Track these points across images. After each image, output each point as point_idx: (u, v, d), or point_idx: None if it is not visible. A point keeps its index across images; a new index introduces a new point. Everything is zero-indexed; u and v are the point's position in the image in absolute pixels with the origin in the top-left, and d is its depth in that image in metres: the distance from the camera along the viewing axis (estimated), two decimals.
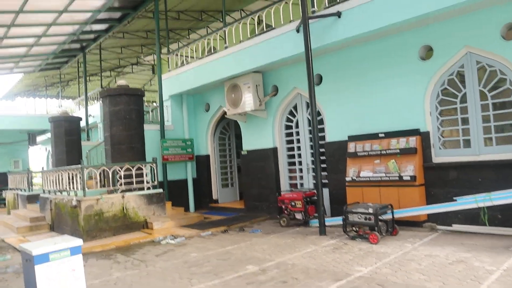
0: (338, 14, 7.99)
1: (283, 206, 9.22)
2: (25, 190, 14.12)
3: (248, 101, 10.29)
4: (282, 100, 10.31)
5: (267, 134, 10.63)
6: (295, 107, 10.26)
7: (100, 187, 10.52)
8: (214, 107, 12.38)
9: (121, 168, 9.76)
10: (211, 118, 12.52)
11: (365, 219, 7.12)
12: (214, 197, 12.69)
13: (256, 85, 10.28)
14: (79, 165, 9.39)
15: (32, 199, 13.55)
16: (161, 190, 10.27)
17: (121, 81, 11.34)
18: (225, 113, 12.21)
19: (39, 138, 19.77)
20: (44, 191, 12.04)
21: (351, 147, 8.67)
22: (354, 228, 7.48)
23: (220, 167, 12.89)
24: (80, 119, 15.35)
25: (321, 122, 9.70)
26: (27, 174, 13.67)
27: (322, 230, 7.87)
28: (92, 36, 15.19)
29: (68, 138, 14.62)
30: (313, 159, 9.84)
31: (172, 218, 10.03)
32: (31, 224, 11.19)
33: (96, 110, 16.60)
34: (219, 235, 8.83)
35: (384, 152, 8.08)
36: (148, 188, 10.15)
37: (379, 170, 8.12)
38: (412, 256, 5.99)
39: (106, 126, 11.06)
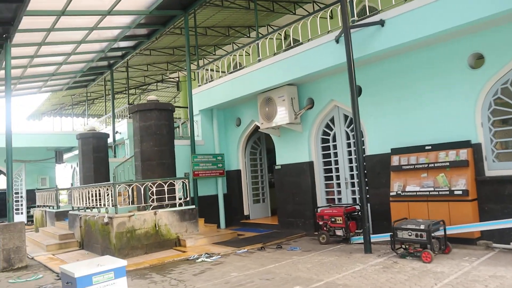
0: (382, 23, 7.71)
1: (322, 223, 8.82)
2: (53, 207, 14.02)
3: (282, 114, 10.02)
4: (319, 113, 10.00)
5: (303, 148, 10.31)
6: (332, 120, 9.93)
7: (129, 204, 10.34)
8: (245, 122, 12.14)
9: (153, 184, 9.53)
10: (242, 133, 12.28)
11: (416, 236, 6.67)
12: (245, 213, 12.35)
13: (291, 98, 10.01)
14: (111, 182, 9.19)
15: (60, 216, 13.44)
16: (193, 207, 9.99)
17: (151, 97, 11.24)
18: (257, 127, 11.97)
19: (66, 156, 19.86)
20: (73, 208, 11.91)
21: (395, 160, 8.26)
22: (403, 246, 7.02)
23: (252, 182, 12.56)
24: (108, 135, 15.32)
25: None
26: (55, 192, 13.57)
27: (368, 247, 7.44)
28: (119, 53, 15.26)
29: (95, 155, 14.57)
30: (352, 173, 9.48)
31: (205, 235, 9.71)
32: (60, 241, 11.04)
33: (123, 127, 16.57)
34: (256, 252, 8.46)
35: (432, 165, 7.65)
36: (180, 205, 9.88)
37: (427, 184, 7.67)
38: (474, 277, 5.51)
39: (136, 142, 10.93)
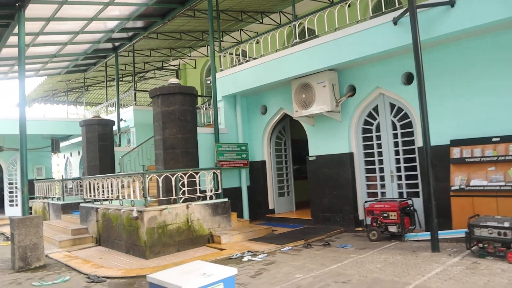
0: (451, 3, 7.06)
1: (372, 218, 8.20)
2: (58, 199, 12.96)
3: (322, 101, 9.30)
4: (361, 101, 9.34)
5: (341, 138, 9.64)
6: (376, 109, 9.28)
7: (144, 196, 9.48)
8: (272, 109, 11.37)
9: (184, 174, 8.69)
10: (269, 121, 11.50)
11: (499, 234, 6.09)
12: (270, 207, 11.61)
13: (332, 84, 9.31)
14: (140, 171, 8.31)
15: (67, 209, 12.43)
16: (226, 200, 9.21)
17: (173, 79, 10.30)
18: (285, 116, 11.24)
19: (62, 144, 18.64)
20: (85, 200, 10.94)
21: (456, 153, 7.68)
22: (479, 245, 6.44)
23: (277, 175, 11.82)
24: (114, 123, 14.30)
25: (409, 125, 8.73)
26: (61, 182, 12.51)
27: (436, 245, 6.84)
28: (127, 34, 14.22)
29: (101, 144, 13.56)
30: (398, 166, 8.87)
31: (240, 231, 8.96)
32: (73, 237, 10.12)
33: (128, 114, 15.57)
34: (303, 250, 7.76)
35: (502, 158, 7.09)
36: (211, 198, 9.08)
37: (496, 178, 7.12)
38: None
39: (157, 129, 9.97)
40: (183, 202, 8.53)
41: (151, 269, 6.85)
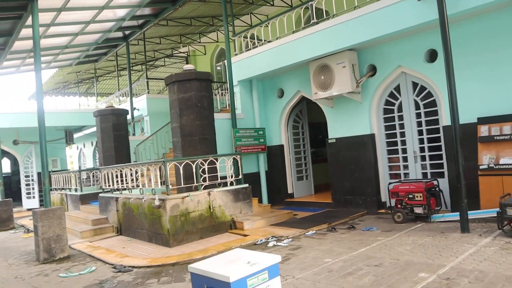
0: None
1: (396, 200, 8.05)
2: (75, 190, 13.00)
3: (342, 82, 9.08)
4: (382, 81, 9.10)
5: (362, 120, 9.44)
6: (397, 89, 9.05)
7: (160, 184, 9.44)
8: (289, 92, 11.17)
9: (205, 161, 8.59)
10: (286, 105, 11.31)
11: None
12: (289, 191, 11.50)
13: (352, 65, 9.07)
14: (161, 159, 8.23)
15: (85, 199, 12.46)
16: (247, 185, 9.11)
17: (188, 65, 10.14)
18: (302, 98, 11.05)
19: (75, 136, 18.66)
20: (103, 190, 10.93)
21: (484, 131, 7.46)
22: (511, 225, 6.28)
23: (295, 158, 11.68)
24: (127, 112, 14.22)
25: (433, 104, 8.50)
26: (79, 173, 12.51)
27: (465, 226, 6.68)
28: (138, 22, 14.02)
29: (116, 133, 13.54)
30: (422, 146, 8.67)
31: (262, 216, 8.88)
32: (93, 227, 10.13)
33: (141, 103, 15.46)
34: (328, 234, 7.66)
35: None
36: (231, 184, 8.99)
37: None
38: None
39: (174, 116, 9.85)
40: (204, 189, 8.44)
41: (176, 257, 6.83)
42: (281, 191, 11.47)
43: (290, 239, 7.43)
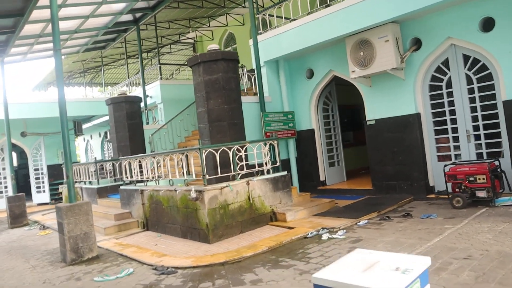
0: None
1: (453, 183, 7.39)
2: (90, 183, 12.28)
3: (385, 58, 8.34)
4: (428, 55, 8.36)
5: (405, 98, 8.72)
6: (445, 63, 8.31)
7: (183, 174, 8.77)
8: (320, 72, 10.41)
9: (242, 147, 7.88)
10: (316, 86, 10.56)
11: None
12: (321, 178, 10.82)
13: (396, 38, 8.32)
14: (196, 146, 7.49)
15: (103, 192, 11.74)
16: (285, 173, 8.42)
17: (213, 45, 9.33)
18: (333, 78, 10.31)
19: (83, 126, 17.87)
20: (124, 183, 10.22)
21: None
22: None
23: (326, 143, 10.97)
24: (141, 99, 13.46)
25: (488, 77, 7.78)
26: (95, 164, 11.78)
27: None
28: (149, 3, 13.18)
29: (130, 122, 12.83)
30: (476, 124, 7.98)
31: (303, 206, 8.21)
32: (117, 222, 9.45)
33: (153, 90, 14.67)
34: (384, 223, 7.00)
35: None
36: (268, 172, 8.29)
37: None
38: None
39: (200, 100, 9.09)
40: (241, 178, 7.74)
41: (223, 256, 6.13)
42: (313, 178, 10.78)
43: (344, 231, 6.76)
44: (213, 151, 7.53)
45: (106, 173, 12.80)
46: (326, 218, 7.73)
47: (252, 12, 10.11)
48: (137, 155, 9.43)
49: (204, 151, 7.35)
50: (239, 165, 7.80)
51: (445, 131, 8.46)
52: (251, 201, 7.68)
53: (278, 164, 8.39)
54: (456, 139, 8.30)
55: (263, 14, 10.56)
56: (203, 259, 6.14)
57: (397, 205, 8.18)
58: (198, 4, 15.08)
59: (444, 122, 8.47)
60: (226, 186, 7.29)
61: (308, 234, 6.77)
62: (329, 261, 5.31)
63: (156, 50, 21.01)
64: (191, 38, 20.25)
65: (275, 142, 8.44)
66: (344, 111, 11.98)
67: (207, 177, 7.38)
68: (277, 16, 10.38)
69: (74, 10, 11.25)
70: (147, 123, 14.40)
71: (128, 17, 13.81)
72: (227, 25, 18.04)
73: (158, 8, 13.21)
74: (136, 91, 15.98)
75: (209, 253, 6.49)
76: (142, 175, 9.31)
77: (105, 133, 18.78)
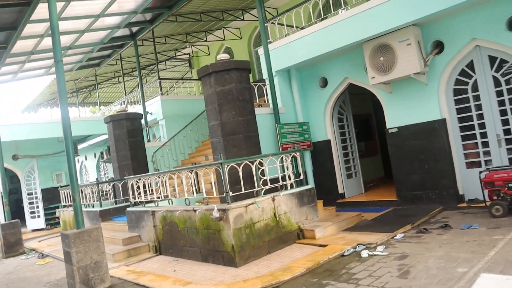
0: None
1: (491, 190, 6.98)
2: (91, 205, 11.57)
3: (407, 62, 7.98)
4: (452, 58, 8.02)
5: (429, 104, 8.34)
6: (470, 65, 7.98)
7: (193, 193, 8.23)
8: (334, 81, 9.99)
9: (263, 161, 7.35)
10: (331, 95, 10.13)
11: None
12: (340, 191, 10.32)
13: (418, 41, 7.97)
14: (218, 161, 6.93)
15: (105, 215, 11.04)
16: (310, 186, 7.91)
17: (223, 55, 8.84)
18: (349, 86, 9.92)
19: (79, 147, 17.14)
20: (131, 204, 9.56)
21: None
22: None
23: (343, 154, 10.51)
24: (142, 116, 12.90)
25: None
26: (97, 186, 11.10)
27: None
28: (147, 17, 12.72)
29: (131, 140, 12.28)
30: (507, 127, 7.62)
31: (332, 222, 7.67)
32: (125, 247, 8.77)
33: (154, 106, 14.12)
34: (424, 236, 6.51)
35: None
36: (292, 186, 7.77)
37: None
38: None
39: (212, 112, 8.54)
40: (265, 193, 7.20)
41: (259, 281, 5.53)
42: (331, 191, 10.27)
43: (383, 246, 6.25)
44: (236, 166, 6.98)
45: (106, 195, 12.11)
46: (358, 233, 7.21)
47: (262, 20, 9.71)
48: (148, 173, 8.83)
49: (226, 165, 6.79)
50: (262, 180, 7.27)
51: (473, 137, 8.08)
52: (277, 218, 7.12)
53: (302, 177, 7.88)
54: (485, 144, 7.92)
55: (272, 22, 10.15)
56: (235, 286, 5.55)
57: (428, 216, 7.72)
58: (196, 17, 14.69)
59: (471, 127, 8.10)
60: (252, 203, 6.73)
61: (344, 252, 6.25)
62: (381, 282, 4.79)
63: (151, 67, 20.66)
64: (186, 54, 19.83)
65: (298, 154, 7.94)
66: (354, 121, 11.59)
67: (230, 194, 6.81)
68: (287, 25, 9.96)
69: (69, 24, 10.72)
70: (148, 140, 13.80)
71: (124, 32, 13.31)
72: (224, 39, 17.69)
73: (156, 22, 12.74)
74: (134, 109, 15.38)
75: (238, 278, 5.89)
76: (147, 194, 8.74)
77: (101, 153, 18.02)
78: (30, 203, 15.63)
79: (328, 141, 10.27)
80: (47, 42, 11.30)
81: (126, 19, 11.55)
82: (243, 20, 15.82)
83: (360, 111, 11.89)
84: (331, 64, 9.90)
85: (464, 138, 8.20)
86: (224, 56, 8.68)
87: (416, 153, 8.55)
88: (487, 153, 7.93)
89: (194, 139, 13.70)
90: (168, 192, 8.15)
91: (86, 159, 20.00)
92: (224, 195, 6.74)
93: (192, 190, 7.58)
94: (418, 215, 7.79)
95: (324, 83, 10.23)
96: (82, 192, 12.21)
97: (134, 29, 13.44)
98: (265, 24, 10.06)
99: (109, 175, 18.96)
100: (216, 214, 6.59)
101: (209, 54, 19.93)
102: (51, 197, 15.61)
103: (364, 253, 6.03)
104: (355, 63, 9.32)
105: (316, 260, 6.01)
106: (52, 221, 15.53)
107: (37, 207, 15.62)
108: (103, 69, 17.73)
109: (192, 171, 7.83)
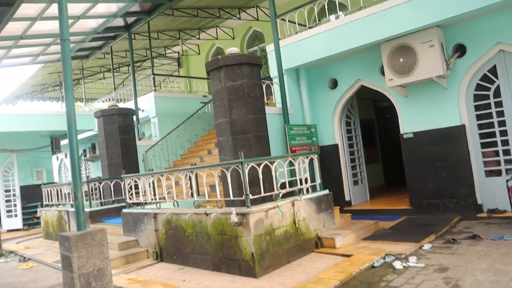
0: None
1: None
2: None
3: (429, 65, 7.68)
4: (474, 62, 7.78)
5: (448, 109, 8.07)
6: (493, 70, 7.76)
7: (192, 195, 7.72)
8: (345, 82, 9.62)
9: (283, 162, 6.86)
10: (341, 97, 9.74)
11: None
12: (346, 198, 9.92)
13: (441, 43, 7.69)
14: (238, 160, 6.37)
15: (95, 217, 10.27)
16: (327, 191, 7.46)
17: (232, 48, 8.27)
18: (359, 88, 9.57)
19: (62, 143, 16.11)
20: (129, 205, 8.87)
21: None
22: None
23: (350, 160, 10.12)
24: (134, 112, 12.19)
25: None
26: (87, 184, 10.33)
27: None
28: (145, 7, 12.05)
29: (122, 137, 11.63)
30: None
31: (351, 230, 7.25)
32: (122, 253, 8.08)
33: (146, 103, 13.42)
34: (455, 247, 6.16)
35: None
36: (308, 190, 7.31)
37: None
38: None
39: (221, 109, 7.94)
40: (283, 197, 6.70)
41: None
42: (338, 198, 9.82)
43: (415, 257, 5.85)
44: (255, 166, 6.45)
45: (93, 194, 11.31)
46: (380, 242, 6.80)
47: (273, 15, 9.25)
48: (151, 172, 8.18)
49: (246, 165, 6.26)
50: (279, 183, 6.77)
51: (493, 144, 7.84)
52: (297, 225, 6.63)
53: (319, 181, 7.43)
54: (506, 152, 7.69)
55: (282, 19, 9.69)
56: None
57: (448, 225, 7.40)
58: (192, 13, 14.11)
59: (491, 134, 7.86)
60: (274, 207, 6.22)
61: (374, 263, 5.81)
62: None
63: (139, 63, 19.86)
64: (176, 52, 19.16)
65: (315, 156, 7.48)
66: (364, 125, 11.32)
67: (251, 196, 6.26)
68: (299, 24, 9.53)
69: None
70: (139, 138, 13.08)
71: (119, 22, 12.58)
72: (217, 38, 17.18)
73: (154, 14, 12.09)
74: (124, 105, 14.61)
75: None
76: (146, 195, 8.13)
77: (84, 151, 17.09)
78: (7, 201, 14.50)
79: (336, 146, 9.88)
80: (38, 26, 10.50)
81: (125, 7, 10.87)
82: (239, 19, 15.34)
83: (363, 116, 11.57)
84: (342, 64, 9.53)
85: (483, 145, 7.95)
86: (234, 49, 8.13)
87: (433, 160, 8.25)
88: (508, 162, 7.70)
89: (187, 139, 13.10)
90: (174, 193, 7.54)
91: (66, 156, 18.97)
92: (243, 198, 6.19)
93: (196, 192, 6.99)
94: (438, 225, 7.46)
95: (334, 84, 9.84)
96: (61, 191, 11.37)
97: (130, 20, 12.72)
98: (276, 20, 9.59)
99: (92, 174, 18.00)
100: (234, 218, 6.02)
101: (199, 54, 19.38)
102: (29, 195, 14.55)
103: (398, 265, 5.61)
104: (369, 64, 9.00)
105: (347, 271, 5.54)
106: (30, 221, 14.49)
107: (15, 205, 14.51)
108: (89, 63, 16.86)
109: (203, 171, 7.24)
